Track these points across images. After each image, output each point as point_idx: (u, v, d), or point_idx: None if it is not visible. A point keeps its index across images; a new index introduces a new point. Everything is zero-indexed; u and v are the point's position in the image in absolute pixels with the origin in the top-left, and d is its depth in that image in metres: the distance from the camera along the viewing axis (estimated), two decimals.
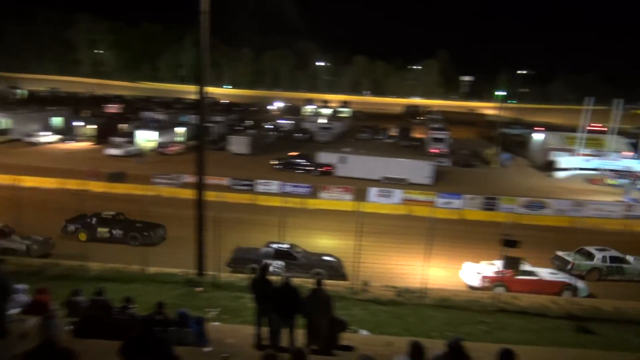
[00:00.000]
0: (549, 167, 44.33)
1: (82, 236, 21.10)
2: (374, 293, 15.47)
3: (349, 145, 45.24)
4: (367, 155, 39.07)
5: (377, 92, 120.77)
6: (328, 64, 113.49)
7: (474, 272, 18.10)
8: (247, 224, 19.01)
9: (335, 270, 18.05)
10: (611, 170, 41.92)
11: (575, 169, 43.37)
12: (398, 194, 31.52)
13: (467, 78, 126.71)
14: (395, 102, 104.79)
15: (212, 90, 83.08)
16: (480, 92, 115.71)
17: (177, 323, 8.98)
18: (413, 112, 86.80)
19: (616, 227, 28.54)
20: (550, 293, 17.04)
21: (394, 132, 62.29)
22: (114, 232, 21.11)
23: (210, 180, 25.28)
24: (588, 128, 47.54)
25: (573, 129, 49.63)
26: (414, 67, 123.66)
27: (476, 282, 17.81)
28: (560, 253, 20.90)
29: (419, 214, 27.89)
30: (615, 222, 29.48)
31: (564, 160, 44.03)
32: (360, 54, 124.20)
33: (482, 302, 15.17)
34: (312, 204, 29.76)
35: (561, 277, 18.15)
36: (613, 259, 20.14)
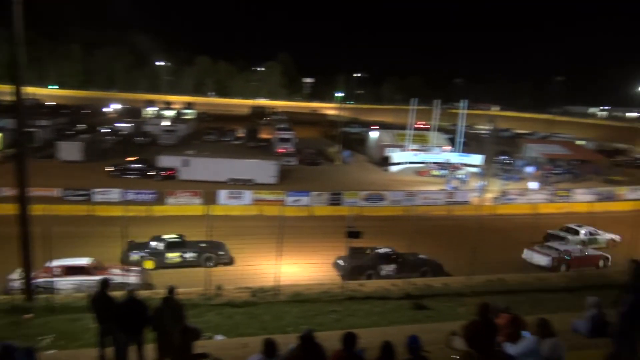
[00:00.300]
0: (384, 162, 48.40)
1: (149, 264, 19.44)
2: (229, 296, 15.29)
3: (196, 148, 43.95)
4: (211, 158, 38.39)
5: (222, 94, 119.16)
6: (169, 64, 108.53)
7: (545, 254, 21.91)
8: (84, 238, 17.32)
9: (439, 267, 19.72)
10: (435, 163, 47.33)
11: (406, 163, 48.02)
12: (248, 195, 31.58)
13: (308, 80, 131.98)
14: (241, 104, 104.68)
15: (33, 90, 73.74)
16: (321, 93, 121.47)
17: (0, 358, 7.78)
18: (259, 113, 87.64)
19: (442, 213, 32.32)
20: (593, 264, 22.24)
21: (241, 133, 62.16)
22: (185, 255, 19.76)
23: (37, 192, 22.50)
24: (415, 126, 53.00)
25: (402, 127, 54.75)
26: (258, 68, 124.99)
27: (547, 262, 21.64)
28: (551, 231, 25.74)
29: (269, 213, 28.26)
30: (441, 208, 33.40)
31: (396, 156, 48.43)
32: (203, 54, 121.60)
33: (332, 293, 15.97)
34: (158, 210, 28.26)
35: (597, 251, 23.47)
36: (591, 233, 25.68)
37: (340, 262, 19.47)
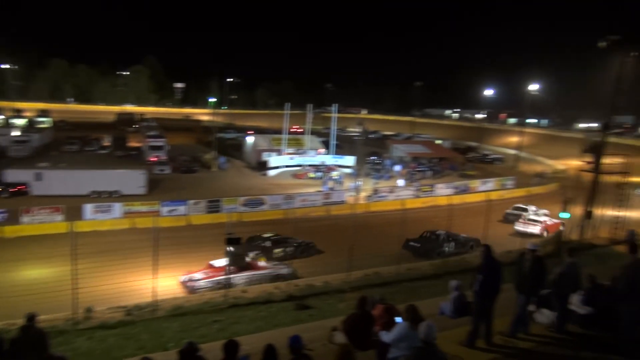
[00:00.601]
0: (262, 166, 48.55)
1: (262, 259, 20.90)
2: (100, 318, 14.13)
3: (53, 160, 39.95)
4: (69, 170, 35.22)
5: (83, 99, 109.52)
6: (16, 67, 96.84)
7: (534, 224, 28.68)
8: None
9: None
10: (310, 166, 48.68)
11: (283, 166, 48.71)
12: (118, 208, 29.57)
13: (179, 85, 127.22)
14: (106, 110, 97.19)
15: None
16: (194, 98, 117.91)
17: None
18: (127, 120, 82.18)
19: (320, 213, 33.31)
20: (557, 228, 28.14)
21: (107, 142, 57.89)
22: (287, 250, 22.89)
23: None
24: (290, 130, 53.97)
25: (278, 131, 55.43)
26: (122, 72, 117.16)
27: (538, 230, 28.25)
28: (509, 211, 32.40)
29: (143, 225, 26.65)
30: (319, 209, 34.43)
31: (273, 160, 48.89)
32: (57, 56, 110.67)
33: (214, 302, 15.60)
34: (11, 231, 25.21)
35: (554, 219, 29.39)
36: (534, 210, 32.03)
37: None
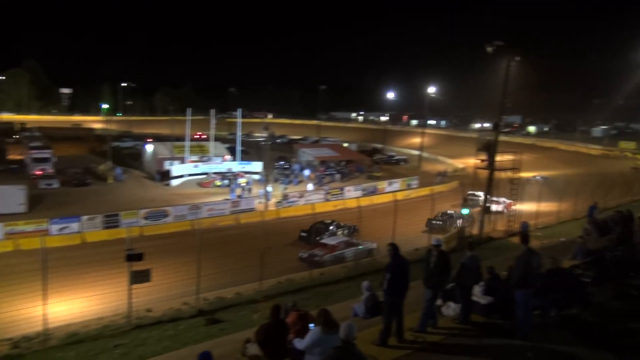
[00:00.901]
0: (164, 176, 46.76)
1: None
2: None
3: None
4: None
5: None
6: None
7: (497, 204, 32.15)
8: None
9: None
10: (216, 173, 47.75)
11: (187, 175, 47.29)
12: None
13: (66, 90, 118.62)
14: None
15: None
16: (84, 105, 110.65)
17: None
18: (6, 130, 75.08)
19: (229, 222, 32.78)
20: (511, 207, 31.58)
21: None
22: (344, 231, 28.37)
23: None
24: (193, 136, 52.59)
25: (180, 138, 53.79)
26: None
27: (501, 208, 32.64)
28: (472, 192, 35.13)
29: (30, 247, 24.48)
30: (228, 218, 33.87)
31: (175, 169, 47.30)
32: None
33: (115, 325, 14.75)
34: None
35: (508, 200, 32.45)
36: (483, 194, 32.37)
37: None
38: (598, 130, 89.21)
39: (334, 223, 29.40)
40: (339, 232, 28.50)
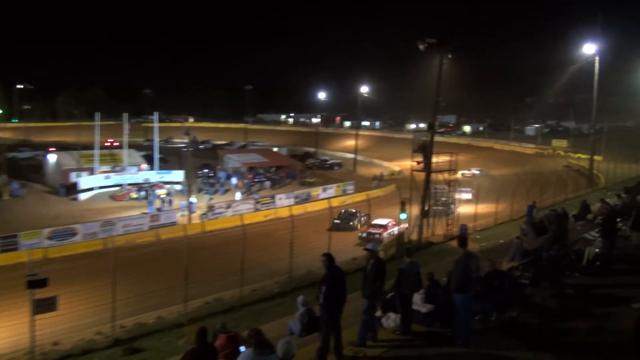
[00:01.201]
0: (70, 190, 44.55)
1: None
2: None
3: None
4: None
5: None
6: None
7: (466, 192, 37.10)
8: None
9: None
10: (132, 184, 46.14)
11: (97, 188, 45.35)
12: None
13: None
14: None
15: None
16: None
17: None
18: None
19: (149, 239, 31.76)
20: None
21: None
22: (364, 219, 33.85)
23: None
24: (103, 144, 50.55)
25: (88, 147, 51.57)
26: None
27: (470, 195, 36.92)
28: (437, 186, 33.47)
29: None
30: (147, 234, 32.79)
31: (83, 181, 45.22)
32: None
33: None
34: None
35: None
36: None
37: None
38: (531, 129, 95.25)
39: (358, 211, 35.07)
40: (363, 219, 33.77)
